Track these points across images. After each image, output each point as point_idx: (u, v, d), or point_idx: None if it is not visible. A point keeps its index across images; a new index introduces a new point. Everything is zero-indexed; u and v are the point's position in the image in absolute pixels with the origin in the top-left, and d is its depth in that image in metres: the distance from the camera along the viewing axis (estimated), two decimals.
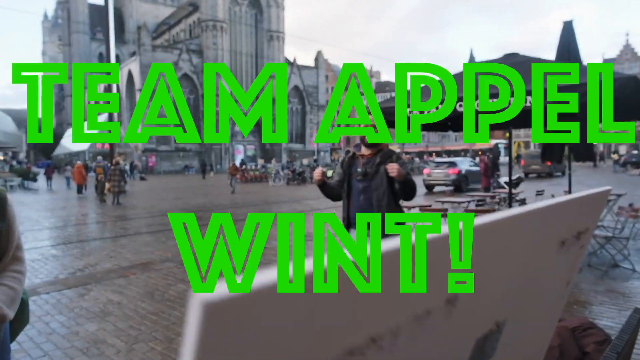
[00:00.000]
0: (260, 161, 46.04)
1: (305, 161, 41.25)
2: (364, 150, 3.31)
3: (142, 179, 36.46)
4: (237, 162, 53.90)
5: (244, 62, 59.50)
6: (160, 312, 4.45)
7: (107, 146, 40.45)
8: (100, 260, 6.96)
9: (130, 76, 56.30)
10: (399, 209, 3.21)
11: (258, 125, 60.19)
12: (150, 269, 6.30)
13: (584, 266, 6.06)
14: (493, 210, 6.90)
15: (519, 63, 6.71)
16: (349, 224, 3.29)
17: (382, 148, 3.28)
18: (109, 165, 19.09)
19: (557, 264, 0.68)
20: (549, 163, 24.25)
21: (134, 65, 54.33)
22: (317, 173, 3.24)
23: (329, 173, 5.55)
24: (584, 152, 10.09)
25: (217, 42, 54.26)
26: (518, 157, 39.28)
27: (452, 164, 19.47)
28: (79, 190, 20.54)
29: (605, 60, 57.71)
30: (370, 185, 3.17)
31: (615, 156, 43.14)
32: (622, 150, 57.24)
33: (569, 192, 9.93)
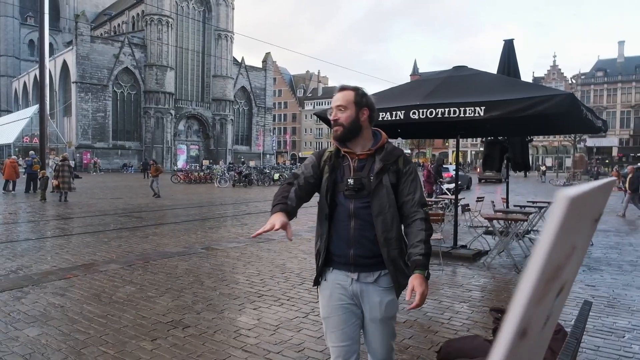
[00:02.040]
0: (205, 162, 45.01)
1: (252, 163, 40.81)
2: (354, 148, 2.08)
3: (75, 176, 34.47)
4: (180, 163, 52.58)
5: (190, 59, 58.04)
6: (109, 314, 4.25)
7: (35, 140, 37.95)
8: (36, 262, 6.53)
9: (64, 67, 53.25)
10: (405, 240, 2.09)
11: (202, 125, 58.90)
12: (94, 270, 5.99)
13: (522, 268, 6.45)
14: (442, 214, 7.18)
15: (467, 75, 7.06)
16: (328, 259, 2.09)
17: (383, 144, 2.10)
18: (56, 160, 17.99)
19: (588, 240, 0.79)
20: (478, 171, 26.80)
21: (69, 56, 51.44)
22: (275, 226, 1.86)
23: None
24: (521, 162, 10.76)
25: (162, 37, 52.51)
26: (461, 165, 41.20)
27: (447, 170, 22.91)
28: (6, 187, 19.10)
29: (535, 79, 61.60)
30: (371, 205, 2.00)
31: (543, 167, 46.09)
32: (548, 162, 61.36)
33: (506, 199, 10.53)
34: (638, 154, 54.69)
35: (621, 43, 62.47)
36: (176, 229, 9.93)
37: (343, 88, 2.12)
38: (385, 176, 2.04)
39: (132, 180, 31.79)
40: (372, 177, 2.03)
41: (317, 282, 2.17)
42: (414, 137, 14.35)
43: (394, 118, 6.34)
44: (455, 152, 64.31)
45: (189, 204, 16.04)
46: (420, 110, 6.16)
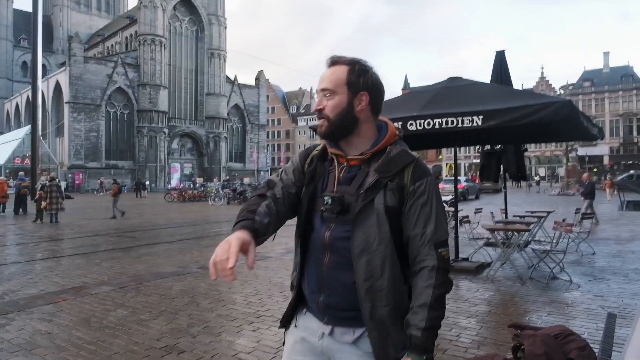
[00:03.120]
0: (199, 180, 44.74)
1: (246, 180, 40.60)
2: (346, 148, 1.48)
3: (67, 197, 34.10)
4: (174, 182, 52.24)
5: (184, 78, 58.18)
6: (100, 340, 4.03)
7: (27, 161, 37.61)
8: (23, 286, 6.28)
9: (57, 87, 53.17)
10: (408, 290, 1.41)
11: (196, 143, 58.78)
12: (84, 293, 5.76)
13: (526, 279, 6.29)
14: None
15: (463, 86, 7.00)
16: (299, 301, 1.55)
17: (385, 145, 1.45)
18: (43, 181, 17.78)
19: None
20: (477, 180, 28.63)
21: (62, 76, 51.39)
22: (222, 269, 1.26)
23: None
24: (517, 172, 10.68)
25: (156, 57, 52.65)
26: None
27: (459, 181, 25.74)
28: None
29: (525, 89, 62.29)
30: (354, 237, 1.38)
31: (537, 177, 46.26)
32: (541, 172, 61.66)
33: (505, 210, 10.41)
34: (629, 162, 55.05)
35: (606, 54, 63.49)
36: (170, 249, 9.70)
37: (334, 62, 1.46)
38: (380, 195, 1.36)
39: (125, 200, 31.44)
40: (360, 196, 1.38)
41: (283, 324, 1.57)
42: (412, 149, 14.25)
43: None
44: (451, 164, 64.55)
45: (183, 222, 15.79)
46: (418, 121, 6.05)
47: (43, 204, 15.26)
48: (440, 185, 27.78)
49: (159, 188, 49.81)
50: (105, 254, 8.90)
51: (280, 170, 1.63)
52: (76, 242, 10.71)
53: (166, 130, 54.15)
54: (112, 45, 63.78)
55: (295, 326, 1.54)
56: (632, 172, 36.99)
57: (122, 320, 4.61)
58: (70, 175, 47.78)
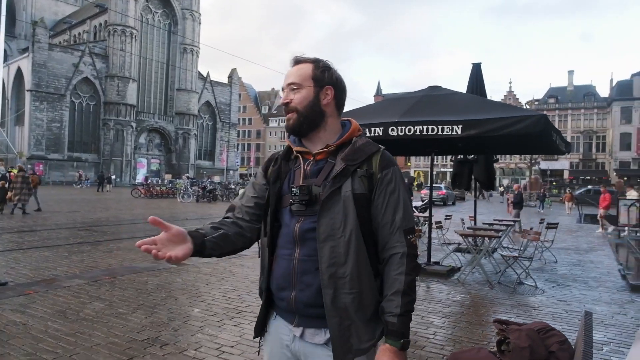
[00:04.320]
0: (168, 176, 43.90)
1: (216, 178, 40.15)
2: (311, 146, 1.51)
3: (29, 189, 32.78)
4: (140, 177, 50.83)
5: (154, 72, 56.99)
6: (78, 332, 3.97)
7: None
8: None
9: (19, 74, 51.11)
10: (377, 281, 1.43)
11: (165, 138, 57.68)
12: (56, 286, 5.62)
13: (495, 284, 6.56)
14: (419, 230, 7.23)
15: (443, 95, 7.22)
16: (271, 301, 1.51)
17: (350, 137, 1.50)
18: (3, 171, 17.04)
19: None
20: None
21: (24, 63, 49.44)
22: (145, 248, 1.38)
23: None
24: (488, 181, 11.06)
25: (126, 48, 51.37)
26: (420, 184, 42.26)
27: (440, 188, 31.33)
28: None
29: (500, 102, 64.34)
30: (319, 224, 1.39)
31: (501, 188, 47.81)
32: (505, 183, 63.63)
33: (474, 217, 10.76)
34: (587, 177, 57.62)
35: (571, 72, 66.52)
36: None
37: (298, 60, 1.50)
38: (347, 183, 1.38)
39: (88, 194, 30.61)
40: (326, 185, 1.39)
41: (257, 333, 1.54)
42: (392, 154, 14.61)
43: (372, 134, 6.35)
44: (420, 172, 65.52)
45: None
46: (399, 127, 6.20)
47: (9, 194, 14.66)
48: (423, 192, 30.98)
49: (124, 183, 48.59)
50: (74, 247, 8.68)
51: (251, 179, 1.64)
52: (42, 235, 10.38)
53: (134, 124, 52.90)
54: (79, 34, 61.82)
55: (267, 331, 1.52)
56: (589, 187, 38.76)
57: (99, 313, 4.55)
58: (29, 166, 45.92)
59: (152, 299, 5.17)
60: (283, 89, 1.51)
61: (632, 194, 14.19)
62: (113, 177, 43.27)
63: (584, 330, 2.09)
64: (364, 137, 1.50)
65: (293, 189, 1.42)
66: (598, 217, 15.43)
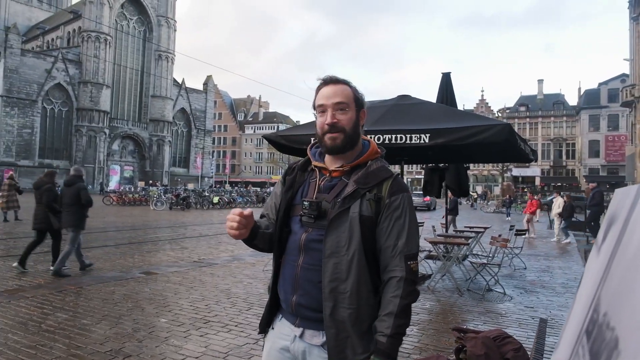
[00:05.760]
0: (141, 183, 43.16)
1: (190, 186, 39.65)
2: (329, 162, 1.58)
3: None
4: (112, 184, 49.94)
5: (128, 79, 56.16)
6: (39, 344, 3.87)
7: None
8: None
9: None
10: (376, 298, 1.48)
11: (139, 145, 56.81)
12: (20, 296, 5.47)
13: (464, 291, 6.66)
14: None
15: (412, 104, 7.35)
16: (273, 307, 1.63)
17: (366, 159, 1.56)
18: None
19: None
20: (426, 199, 30.73)
21: None
22: (232, 219, 1.47)
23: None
24: (458, 188, 11.25)
25: (100, 55, 50.52)
26: None
27: (423, 195, 30.91)
28: None
29: (467, 111, 65.52)
30: (326, 241, 1.47)
31: (474, 194, 48.56)
32: (479, 189, 64.76)
33: (446, 224, 10.92)
34: (558, 184, 59.12)
35: (540, 81, 68.18)
36: (111, 252, 9.35)
37: (336, 80, 1.56)
38: (356, 204, 1.45)
39: None
40: (336, 202, 1.47)
41: (262, 330, 1.65)
42: None
43: None
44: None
45: (123, 226, 15.21)
46: (369, 136, 6.18)
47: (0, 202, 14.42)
48: None
49: (95, 190, 47.58)
50: (39, 256, 8.43)
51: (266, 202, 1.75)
52: (7, 244, 10.07)
53: (107, 131, 51.97)
54: (52, 40, 60.60)
55: (272, 328, 1.61)
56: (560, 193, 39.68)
57: (62, 324, 4.44)
58: None
59: (118, 309, 5.07)
60: (322, 106, 1.54)
61: (558, 200, 14.70)
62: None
63: (536, 337, 2.15)
64: (380, 161, 1.57)
65: (305, 202, 1.51)
66: (524, 222, 15.91)
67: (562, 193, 16.27)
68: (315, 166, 1.58)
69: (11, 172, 16.52)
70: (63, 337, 4.09)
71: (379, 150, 1.60)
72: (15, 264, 7.12)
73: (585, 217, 14.85)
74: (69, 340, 4.01)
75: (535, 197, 16.82)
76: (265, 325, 1.64)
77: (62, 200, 7.29)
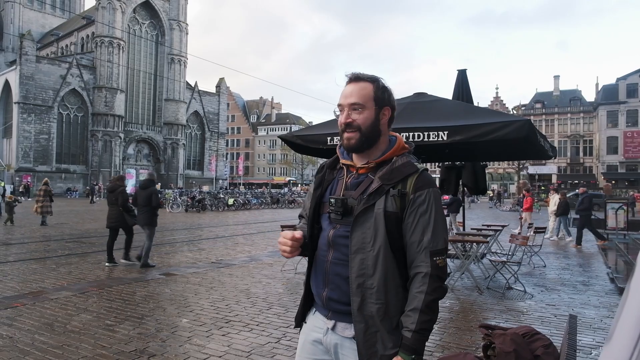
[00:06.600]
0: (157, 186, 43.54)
1: (205, 188, 39.95)
2: (356, 160, 1.60)
3: (16, 200, 32.33)
4: (129, 188, 50.38)
5: (142, 83, 56.82)
6: (65, 345, 3.93)
7: None
8: None
9: (7, 86, 50.68)
10: (406, 294, 1.48)
11: (153, 149, 57.40)
12: (44, 298, 5.56)
13: (484, 289, 6.59)
14: None
15: (428, 101, 7.30)
16: (307, 302, 1.67)
17: (391, 155, 1.56)
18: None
19: None
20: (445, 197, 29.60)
21: (12, 75, 49.05)
22: (284, 243, 1.55)
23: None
24: (475, 187, 11.14)
25: (113, 60, 51.19)
26: None
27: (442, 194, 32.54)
28: None
29: (484, 107, 64.91)
30: (352, 237, 1.49)
31: (490, 193, 47.97)
32: (495, 188, 64.09)
33: (463, 223, 10.83)
34: (575, 181, 58.24)
35: (557, 77, 67.20)
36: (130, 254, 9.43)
37: (358, 78, 1.56)
38: (381, 201, 1.46)
39: (77, 205, 30.32)
40: (363, 199, 1.49)
41: (297, 324, 1.70)
42: None
43: None
44: None
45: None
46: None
47: (35, 206, 15.24)
48: None
49: None
50: (61, 259, 8.59)
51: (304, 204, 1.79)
52: (29, 247, 10.26)
53: (122, 135, 52.61)
54: (66, 46, 61.54)
55: (305, 322, 1.66)
56: (577, 190, 39.07)
57: (86, 325, 4.50)
58: (17, 178, 45.39)
59: (140, 310, 5.13)
60: (340, 105, 1.57)
61: (554, 197, 14.41)
62: (98, 187, 42.65)
63: (568, 334, 2.12)
64: (406, 157, 1.55)
65: (331, 200, 1.54)
66: (519, 218, 15.63)
67: (558, 190, 15.87)
68: (343, 164, 1.61)
69: (46, 179, 17.04)
70: (88, 337, 4.15)
71: (406, 145, 1.59)
72: (106, 264, 8.00)
73: (605, 214, 14.54)
74: (94, 340, 4.07)
75: (529, 193, 16.48)
76: (300, 320, 1.68)
77: (136, 200, 8.38)
